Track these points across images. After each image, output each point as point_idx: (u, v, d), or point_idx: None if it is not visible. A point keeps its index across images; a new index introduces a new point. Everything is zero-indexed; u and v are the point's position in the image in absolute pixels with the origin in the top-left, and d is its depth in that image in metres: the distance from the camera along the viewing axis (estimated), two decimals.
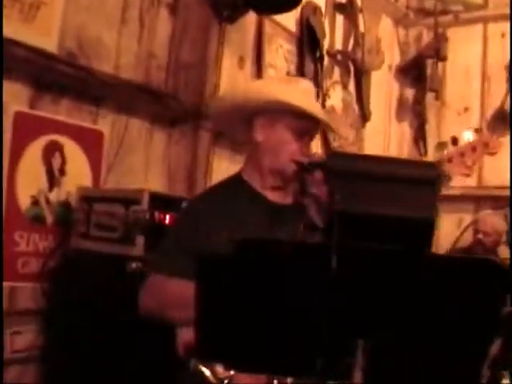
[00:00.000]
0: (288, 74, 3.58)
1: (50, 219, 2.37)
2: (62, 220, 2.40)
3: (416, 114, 4.82)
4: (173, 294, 1.66)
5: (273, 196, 1.86)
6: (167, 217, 2.17)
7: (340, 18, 4.18)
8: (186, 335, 1.58)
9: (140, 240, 2.09)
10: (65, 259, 2.31)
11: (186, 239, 1.71)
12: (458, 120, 4.69)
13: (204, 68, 2.89)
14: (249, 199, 1.82)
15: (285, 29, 3.62)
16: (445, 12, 4.72)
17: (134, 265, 2.05)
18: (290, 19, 3.64)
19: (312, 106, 1.82)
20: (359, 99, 4.31)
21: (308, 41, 3.75)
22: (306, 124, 1.82)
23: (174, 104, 2.71)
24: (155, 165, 2.83)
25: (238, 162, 3.33)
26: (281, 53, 3.56)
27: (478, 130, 1.83)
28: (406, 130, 4.90)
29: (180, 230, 1.79)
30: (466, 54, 4.70)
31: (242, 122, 1.92)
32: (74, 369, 2.25)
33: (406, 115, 4.89)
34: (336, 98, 4.13)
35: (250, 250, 1.10)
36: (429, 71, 4.68)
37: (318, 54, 3.80)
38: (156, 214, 2.13)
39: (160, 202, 2.17)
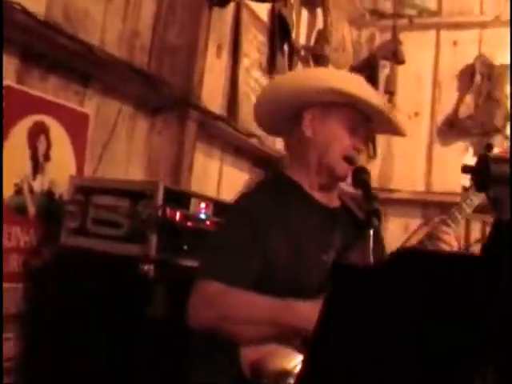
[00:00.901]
0: (261, 65, 3.42)
1: (32, 210, 2.09)
2: (44, 211, 2.11)
3: None
4: (240, 308, 1.44)
5: (320, 197, 1.70)
6: (177, 214, 1.96)
7: (305, 13, 4.06)
8: (251, 354, 1.39)
9: (153, 239, 1.86)
10: (53, 257, 2.03)
11: (244, 241, 1.51)
12: (409, 124, 4.68)
13: (192, 53, 2.66)
14: (301, 201, 1.65)
15: (258, 19, 3.45)
16: (399, 16, 4.70)
17: (146, 267, 1.82)
18: (263, 9, 3.48)
19: (377, 98, 1.69)
20: None
21: (279, 33, 3.60)
22: (362, 118, 1.69)
23: (165, 89, 2.47)
24: (136, 156, 2.58)
25: (214, 156, 3.15)
26: (255, 43, 3.39)
27: None
28: None
29: (235, 230, 1.57)
30: (419, 59, 4.69)
31: (286, 118, 1.74)
32: None
33: None
34: None
35: (408, 262, 0.94)
36: (381, 73, 4.65)
37: (287, 47, 3.66)
38: (168, 210, 1.91)
39: (170, 197, 1.95)
